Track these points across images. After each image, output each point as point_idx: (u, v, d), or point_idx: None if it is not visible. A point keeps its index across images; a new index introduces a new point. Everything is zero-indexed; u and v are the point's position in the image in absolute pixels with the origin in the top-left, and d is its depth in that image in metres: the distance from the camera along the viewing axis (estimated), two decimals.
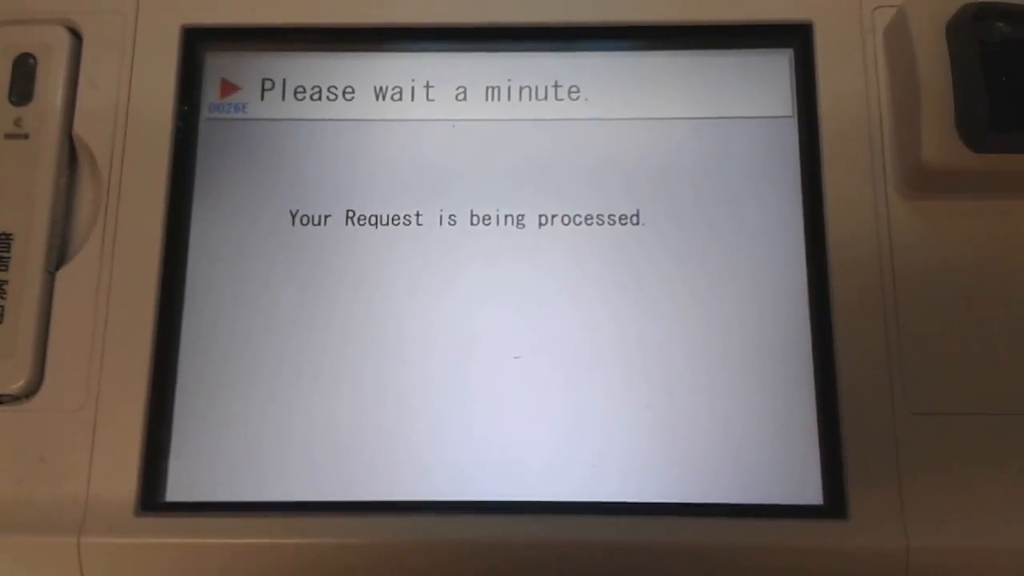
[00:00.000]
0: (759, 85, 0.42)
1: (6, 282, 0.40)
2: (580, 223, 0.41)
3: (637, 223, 0.41)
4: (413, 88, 0.43)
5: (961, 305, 0.39)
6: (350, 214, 0.42)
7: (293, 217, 0.41)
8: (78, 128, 0.42)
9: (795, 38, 0.42)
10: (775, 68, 0.42)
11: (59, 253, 0.41)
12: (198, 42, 0.43)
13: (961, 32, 0.38)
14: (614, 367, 0.40)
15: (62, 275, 0.40)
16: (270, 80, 0.43)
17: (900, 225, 0.39)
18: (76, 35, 0.43)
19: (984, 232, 0.39)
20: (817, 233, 0.40)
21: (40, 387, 0.39)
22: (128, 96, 0.42)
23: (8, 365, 0.39)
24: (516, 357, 0.40)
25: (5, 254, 0.40)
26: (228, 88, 0.43)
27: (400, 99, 0.43)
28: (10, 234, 0.40)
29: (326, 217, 0.41)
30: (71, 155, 0.42)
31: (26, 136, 0.41)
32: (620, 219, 0.41)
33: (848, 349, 0.39)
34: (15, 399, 0.39)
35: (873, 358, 0.38)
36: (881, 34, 0.41)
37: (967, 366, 0.38)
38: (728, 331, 0.40)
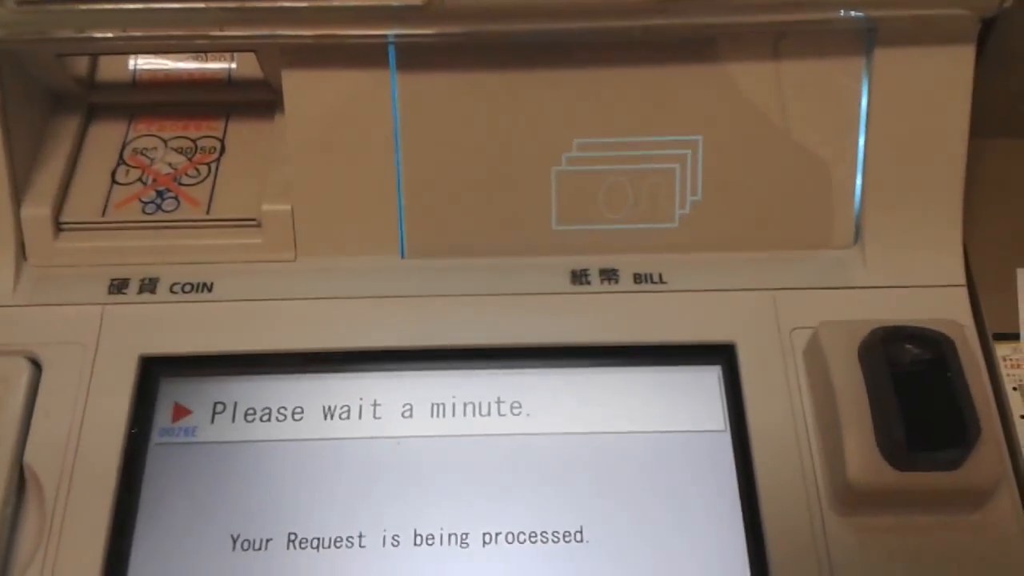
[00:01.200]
0: (692, 400, 0.44)
1: None
2: (524, 541, 0.42)
3: (581, 540, 0.41)
4: (361, 406, 0.45)
5: None
6: (292, 537, 0.42)
7: (234, 542, 0.41)
8: (29, 457, 0.42)
9: (721, 357, 0.45)
10: (705, 384, 0.45)
11: None
12: (154, 369, 0.45)
13: (872, 356, 0.41)
14: None
15: None
16: (222, 403, 0.45)
17: (837, 542, 0.40)
18: (37, 365, 0.44)
19: (917, 549, 0.40)
20: (759, 549, 0.40)
21: None
22: (81, 424, 0.43)
23: None
24: None
25: None
26: (180, 412, 0.44)
27: (348, 417, 0.45)
28: None
29: (267, 541, 0.41)
30: (20, 482, 0.42)
31: None
32: (564, 536, 0.42)
33: None
34: None
35: None
36: (801, 354, 0.44)
37: None
38: None
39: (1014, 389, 0.44)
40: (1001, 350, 0.45)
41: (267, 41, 0.45)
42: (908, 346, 0.41)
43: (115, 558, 0.41)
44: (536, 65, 0.46)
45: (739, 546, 0.41)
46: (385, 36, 0.45)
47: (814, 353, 0.43)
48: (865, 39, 0.46)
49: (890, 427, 0.39)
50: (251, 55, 0.49)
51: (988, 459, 0.39)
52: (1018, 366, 0.44)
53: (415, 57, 0.46)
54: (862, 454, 0.39)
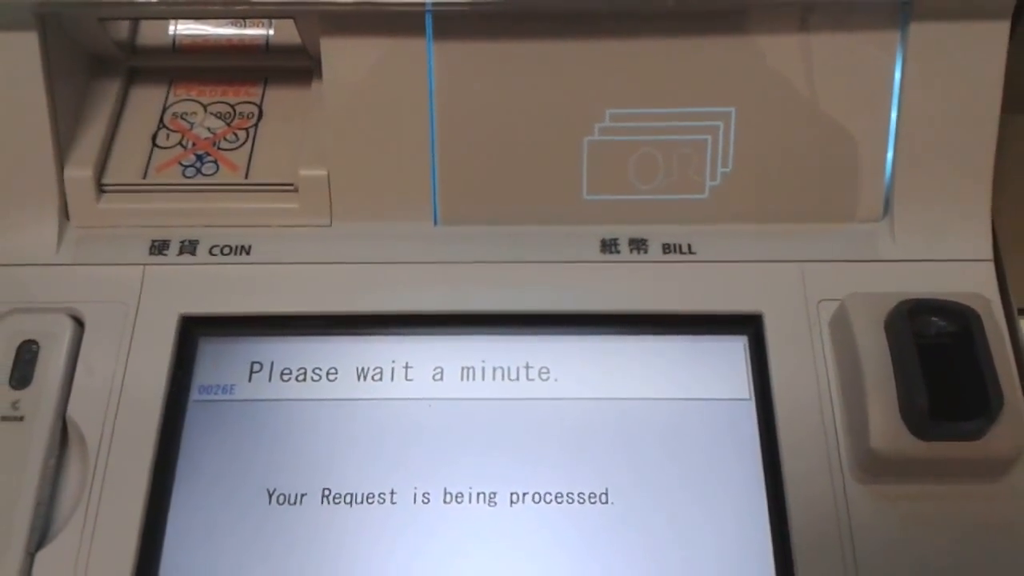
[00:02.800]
0: (717, 369, 0.45)
1: None
2: (551, 501, 0.43)
3: (606, 502, 0.43)
4: (393, 369, 0.46)
5: None
6: (326, 492, 0.43)
7: (270, 496, 0.43)
8: (72, 411, 0.44)
9: (747, 327, 0.46)
10: (731, 354, 0.45)
11: (40, 534, 0.42)
12: (194, 329, 0.46)
13: (898, 327, 0.41)
14: None
15: (41, 557, 0.41)
16: (259, 363, 0.46)
17: (858, 508, 0.41)
18: (79, 323, 0.46)
19: (938, 516, 0.41)
20: (780, 514, 0.41)
21: None
22: (123, 380, 0.44)
23: None
24: None
25: None
26: (219, 371, 0.46)
27: (380, 379, 0.46)
28: None
29: (302, 496, 0.43)
30: (63, 435, 0.44)
31: (21, 419, 0.43)
32: (590, 497, 0.43)
33: None
34: None
35: None
36: (827, 325, 0.45)
37: None
38: None
39: None
40: None
41: (306, 8, 0.46)
42: (934, 318, 0.42)
43: (155, 509, 0.42)
44: (570, 35, 0.47)
45: (761, 511, 0.42)
46: (423, 4, 0.45)
47: (841, 324, 0.43)
48: (900, 13, 0.46)
49: (914, 397, 0.39)
50: (289, 21, 0.50)
51: (1010, 430, 0.39)
52: None
53: (452, 26, 0.46)
54: (885, 422, 0.40)
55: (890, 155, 0.47)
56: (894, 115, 0.47)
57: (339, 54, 0.47)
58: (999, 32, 0.46)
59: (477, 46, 0.47)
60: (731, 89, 0.47)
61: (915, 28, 0.46)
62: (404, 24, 0.46)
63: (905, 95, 0.47)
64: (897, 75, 0.47)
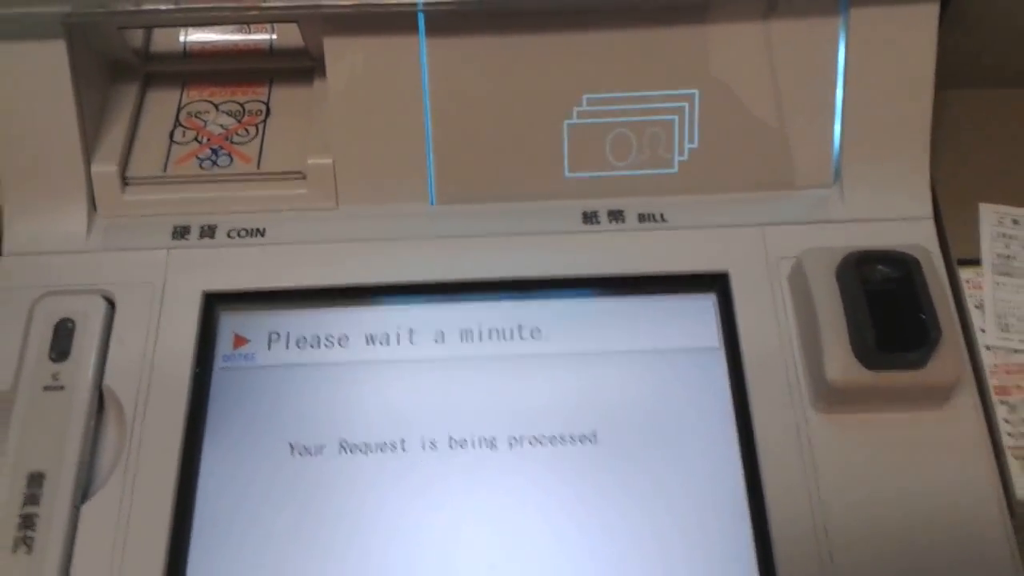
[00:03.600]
0: (690, 323, 0.50)
1: (37, 516, 0.45)
2: (546, 443, 0.47)
3: (595, 442, 0.47)
4: (399, 334, 0.51)
5: (880, 502, 0.44)
6: (343, 443, 0.47)
7: (292, 448, 0.47)
8: (108, 380, 0.48)
9: (716, 285, 0.51)
10: (702, 309, 0.50)
11: (84, 489, 0.46)
12: (216, 304, 0.51)
13: (847, 276, 0.46)
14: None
15: (86, 509, 0.45)
16: (276, 333, 0.50)
17: (818, 436, 0.46)
18: (110, 302, 0.50)
19: (888, 440, 0.46)
20: (749, 444, 0.46)
21: None
22: (153, 352, 0.49)
23: None
24: (492, 566, 0.44)
25: (38, 491, 0.45)
26: (240, 341, 0.50)
27: (387, 344, 0.50)
28: (43, 473, 0.45)
29: (321, 447, 0.47)
30: (100, 403, 0.48)
31: (62, 388, 0.48)
32: (580, 439, 0.47)
33: (786, 557, 0.44)
34: None
35: (805, 553, 0.44)
36: (786, 280, 0.50)
37: (889, 555, 0.44)
38: (675, 538, 0.45)
39: (976, 307, 0.50)
40: (965, 274, 0.51)
41: (310, 12, 0.51)
42: (879, 267, 0.47)
43: (188, 463, 0.47)
44: (549, 29, 0.52)
45: (732, 442, 0.47)
46: (415, 4, 0.50)
47: (798, 276, 0.48)
48: (840, 0, 0.51)
49: (863, 334, 0.44)
50: (290, 27, 0.55)
51: (949, 359, 0.44)
52: (979, 287, 0.50)
53: (441, 24, 0.51)
54: (839, 357, 0.45)
55: (838, 127, 0.53)
56: (840, 91, 0.52)
57: (341, 52, 0.52)
58: (929, 14, 0.51)
59: (465, 41, 0.52)
60: (694, 73, 0.52)
61: (855, 13, 0.51)
62: (398, 23, 0.51)
63: (849, 73, 0.52)
64: (841, 55, 0.52)
